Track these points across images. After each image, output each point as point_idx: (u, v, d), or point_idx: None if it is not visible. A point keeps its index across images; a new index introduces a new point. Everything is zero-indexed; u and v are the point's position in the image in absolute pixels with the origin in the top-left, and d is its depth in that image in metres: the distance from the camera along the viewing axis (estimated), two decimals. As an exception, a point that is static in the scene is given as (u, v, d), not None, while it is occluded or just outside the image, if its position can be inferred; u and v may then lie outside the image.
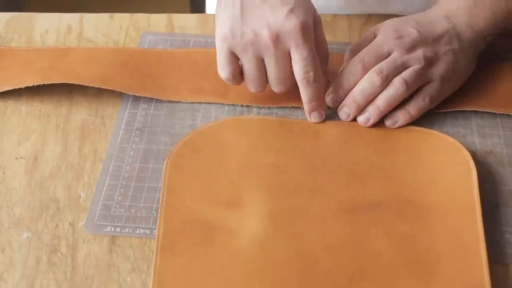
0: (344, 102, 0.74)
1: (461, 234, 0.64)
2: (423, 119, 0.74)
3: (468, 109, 0.75)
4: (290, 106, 0.76)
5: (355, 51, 0.76)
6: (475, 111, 0.75)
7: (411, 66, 0.73)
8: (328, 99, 0.75)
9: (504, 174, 0.70)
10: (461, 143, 0.71)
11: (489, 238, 0.64)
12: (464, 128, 0.74)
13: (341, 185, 0.68)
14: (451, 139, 0.72)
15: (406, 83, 0.73)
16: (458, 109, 0.75)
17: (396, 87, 0.73)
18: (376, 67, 0.73)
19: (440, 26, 0.75)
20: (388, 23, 0.77)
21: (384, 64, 0.73)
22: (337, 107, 0.75)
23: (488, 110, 0.75)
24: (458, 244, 0.64)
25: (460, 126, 0.74)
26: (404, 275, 0.62)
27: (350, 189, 0.68)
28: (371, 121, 0.73)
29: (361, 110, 0.73)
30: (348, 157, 0.71)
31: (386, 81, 0.73)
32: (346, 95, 0.74)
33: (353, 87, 0.74)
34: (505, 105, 0.75)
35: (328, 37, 0.75)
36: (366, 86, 0.73)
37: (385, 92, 0.73)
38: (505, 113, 0.75)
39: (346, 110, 0.74)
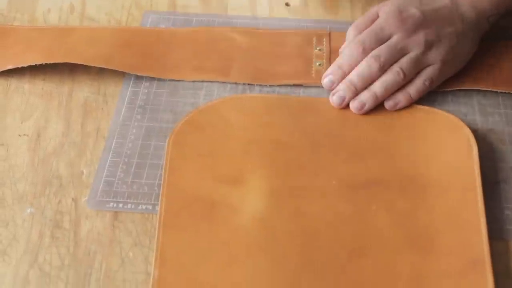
0: (338, 87, 0.73)
1: (461, 210, 0.65)
2: (425, 97, 0.74)
3: (470, 88, 0.75)
4: (292, 84, 0.76)
5: (357, 28, 0.76)
6: (477, 90, 0.75)
7: (411, 51, 0.73)
8: (326, 80, 0.74)
9: (505, 151, 0.70)
10: (463, 121, 0.72)
11: (489, 214, 0.64)
12: (465, 106, 0.74)
13: (343, 162, 0.69)
14: (453, 117, 0.72)
15: (404, 72, 0.72)
16: (460, 88, 0.75)
17: (393, 74, 0.72)
18: (374, 52, 0.73)
19: (444, 6, 0.75)
20: (391, 2, 0.76)
21: (383, 49, 0.73)
22: (331, 90, 0.74)
23: (490, 89, 0.75)
24: (458, 220, 0.64)
25: (461, 104, 0.74)
26: (404, 251, 0.63)
27: (352, 166, 0.68)
28: (366, 107, 0.72)
29: (357, 94, 0.73)
30: (349, 134, 0.71)
31: (383, 67, 0.73)
32: (344, 77, 0.74)
33: (352, 70, 0.73)
34: (507, 84, 0.76)
35: (330, 16, 0.75)
36: (364, 70, 0.73)
37: (382, 78, 0.73)
38: (507, 92, 0.75)
39: (341, 94, 0.73)
